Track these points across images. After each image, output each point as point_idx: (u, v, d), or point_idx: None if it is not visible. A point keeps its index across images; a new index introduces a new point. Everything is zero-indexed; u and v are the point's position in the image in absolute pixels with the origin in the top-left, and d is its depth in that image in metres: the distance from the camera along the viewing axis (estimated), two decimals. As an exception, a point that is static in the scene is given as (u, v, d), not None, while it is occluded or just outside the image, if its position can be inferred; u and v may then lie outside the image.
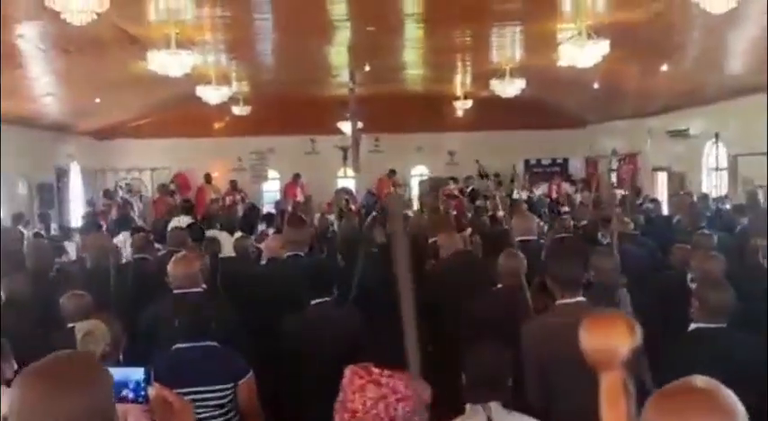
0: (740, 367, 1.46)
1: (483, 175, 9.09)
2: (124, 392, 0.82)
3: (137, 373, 0.83)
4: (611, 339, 0.89)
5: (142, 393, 0.82)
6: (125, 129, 8.96)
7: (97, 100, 6.71)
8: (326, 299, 2.08)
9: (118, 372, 0.80)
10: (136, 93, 6.64)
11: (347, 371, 1.64)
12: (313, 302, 2.07)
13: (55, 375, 0.61)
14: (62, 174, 8.08)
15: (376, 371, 1.59)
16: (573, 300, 1.58)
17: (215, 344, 1.72)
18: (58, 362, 0.65)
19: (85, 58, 4.98)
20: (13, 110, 5.77)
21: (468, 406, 1.50)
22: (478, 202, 6.28)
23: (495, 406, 1.42)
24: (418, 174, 10.05)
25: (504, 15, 4.30)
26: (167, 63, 4.37)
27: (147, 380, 0.83)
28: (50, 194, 7.61)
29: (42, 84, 5.64)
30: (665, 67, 5.71)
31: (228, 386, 1.68)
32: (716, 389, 0.59)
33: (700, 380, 0.61)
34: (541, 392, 1.55)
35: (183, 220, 4.61)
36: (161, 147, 9.20)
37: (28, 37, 4.09)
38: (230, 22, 4.48)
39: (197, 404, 1.44)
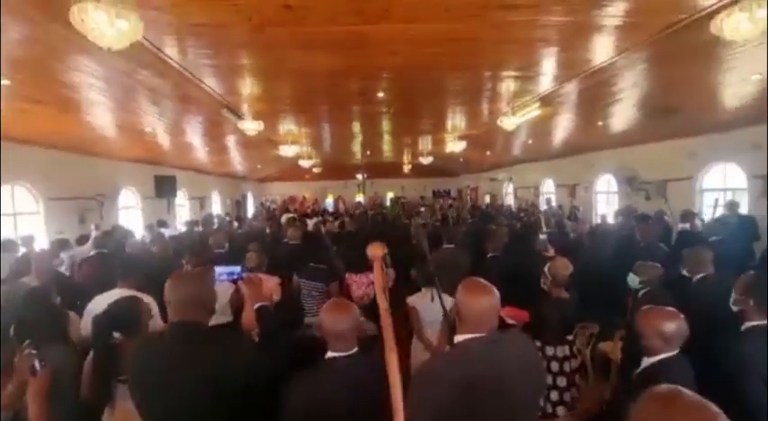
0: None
1: (422, 198, 18.05)
2: (230, 276, 2.00)
3: (237, 268, 2.05)
4: None
5: (242, 276, 1.95)
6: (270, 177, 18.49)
7: (259, 166, 14.95)
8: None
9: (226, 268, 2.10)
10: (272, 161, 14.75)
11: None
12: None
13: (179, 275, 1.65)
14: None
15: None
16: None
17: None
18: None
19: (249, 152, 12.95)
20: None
21: (423, 289, 2.87)
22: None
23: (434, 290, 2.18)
24: (390, 195, 19.21)
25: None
26: (286, 150, 10.26)
27: (242, 272, 1.95)
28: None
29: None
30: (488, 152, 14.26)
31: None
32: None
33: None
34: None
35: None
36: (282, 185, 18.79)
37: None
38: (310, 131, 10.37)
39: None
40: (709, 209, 6.77)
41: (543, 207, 11.63)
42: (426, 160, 13.79)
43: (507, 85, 5.42)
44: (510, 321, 2.89)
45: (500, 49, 3.98)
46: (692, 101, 5.95)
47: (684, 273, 3.19)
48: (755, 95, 5.55)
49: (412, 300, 3.12)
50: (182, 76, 4.29)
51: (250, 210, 18.18)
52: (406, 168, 17.04)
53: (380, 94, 5.64)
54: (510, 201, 15.21)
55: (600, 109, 6.67)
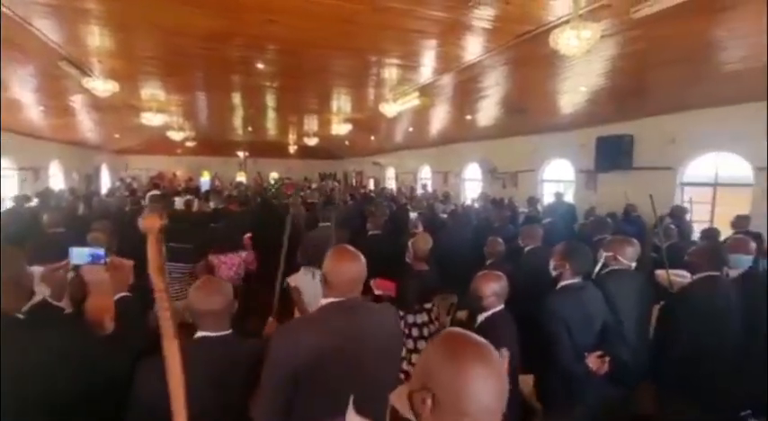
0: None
1: (306, 179, 17.70)
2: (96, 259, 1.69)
3: (100, 250, 1.74)
4: None
5: (104, 260, 1.71)
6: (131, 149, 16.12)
7: (117, 135, 12.62)
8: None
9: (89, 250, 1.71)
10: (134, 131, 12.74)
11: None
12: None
13: None
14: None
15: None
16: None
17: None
18: None
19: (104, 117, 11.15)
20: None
21: (303, 268, 2.94)
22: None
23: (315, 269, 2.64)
24: (274, 176, 18.38)
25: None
26: (151, 119, 8.52)
27: (106, 254, 1.68)
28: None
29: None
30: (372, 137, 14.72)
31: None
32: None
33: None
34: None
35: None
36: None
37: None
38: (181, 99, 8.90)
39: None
40: (550, 196, 8.16)
41: (420, 191, 12.54)
42: (312, 141, 13.60)
43: (389, 72, 5.65)
44: (378, 292, 3.11)
45: (381, 35, 4.12)
46: (537, 103, 7.01)
47: (521, 245, 3.83)
48: (582, 104, 6.79)
49: (293, 279, 3.11)
50: (3, 14, 3.47)
51: (106, 185, 15.61)
52: (292, 149, 16.54)
53: (260, 66, 5.36)
54: (392, 185, 15.96)
55: (469, 103, 7.41)
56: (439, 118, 9.21)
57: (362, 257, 1.59)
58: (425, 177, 14.83)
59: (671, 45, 4.00)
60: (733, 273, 2.85)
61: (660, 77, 5.20)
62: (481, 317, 2.24)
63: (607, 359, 2.31)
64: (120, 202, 7.03)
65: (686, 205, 6.27)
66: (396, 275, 3.40)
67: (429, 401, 0.81)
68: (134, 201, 7.35)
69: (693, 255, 2.78)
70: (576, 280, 2.46)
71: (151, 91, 7.20)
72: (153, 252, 1.20)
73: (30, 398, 1.34)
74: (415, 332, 3.12)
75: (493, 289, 2.22)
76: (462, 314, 4.29)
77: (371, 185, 16.71)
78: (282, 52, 4.84)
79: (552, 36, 3.25)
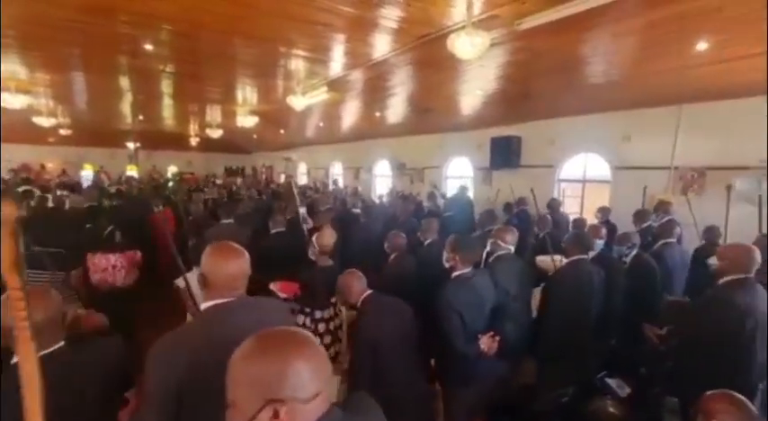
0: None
1: (208, 175, 16.50)
2: None
3: None
4: None
5: None
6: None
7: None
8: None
9: None
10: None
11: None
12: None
13: None
14: None
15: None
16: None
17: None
18: None
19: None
20: None
21: (195, 268, 2.39)
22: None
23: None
24: (172, 170, 16.82)
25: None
26: (10, 100, 7.08)
27: None
28: None
29: None
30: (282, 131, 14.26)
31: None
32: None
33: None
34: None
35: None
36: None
37: None
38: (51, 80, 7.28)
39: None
40: (453, 191, 8.73)
41: (331, 187, 12.50)
42: (215, 133, 12.70)
43: (297, 64, 5.52)
44: (283, 295, 3.05)
45: (285, 25, 4.01)
46: (441, 103, 7.44)
47: (421, 238, 4.06)
48: (479, 106, 7.37)
49: (181, 281, 2.86)
50: None
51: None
52: (194, 141, 15.18)
53: (149, 47, 4.85)
54: (304, 180, 15.67)
55: (377, 101, 7.57)
56: (350, 114, 9.26)
57: (244, 254, 1.47)
58: (337, 173, 14.81)
59: (548, 57, 4.54)
60: (591, 254, 3.37)
61: (541, 85, 5.87)
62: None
63: (497, 339, 2.55)
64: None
65: (562, 199, 7.21)
66: (300, 272, 3.36)
67: (283, 409, 0.78)
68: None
69: (566, 242, 3.22)
70: (467, 269, 2.66)
71: (9, 67, 6.08)
72: (5, 245, 1.06)
73: None
74: (321, 327, 3.12)
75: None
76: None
77: (282, 179, 16.23)
78: (175, 33, 4.43)
79: (449, 40, 3.48)
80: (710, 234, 4.38)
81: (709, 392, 1.67)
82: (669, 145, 6.22)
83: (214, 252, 1.44)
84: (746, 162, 5.38)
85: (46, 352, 1.38)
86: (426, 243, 3.96)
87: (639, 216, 4.84)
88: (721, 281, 2.50)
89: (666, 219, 4.63)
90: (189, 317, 2.91)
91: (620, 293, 3.34)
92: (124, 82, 7.41)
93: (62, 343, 1.45)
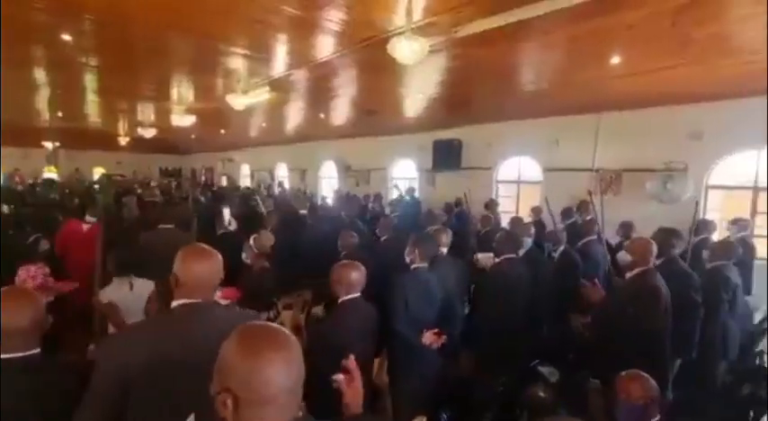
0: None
1: (145, 177, 15.45)
2: None
3: None
4: None
5: None
6: None
7: None
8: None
9: None
10: None
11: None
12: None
13: None
14: None
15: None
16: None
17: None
18: None
19: None
20: None
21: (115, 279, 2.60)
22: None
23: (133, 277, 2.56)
24: (99, 171, 15.51)
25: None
26: None
27: None
28: None
29: None
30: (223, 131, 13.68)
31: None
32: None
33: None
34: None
35: None
36: None
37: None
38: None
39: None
40: (396, 192, 8.91)
41: (277, 189, 12.22)
42: (149, 133, 11.93)
43: (236, 62, 5.35)
44: (225, 302, 2.94)
45: (224, 21, 3.88)
46: (385, 106, 7.56)
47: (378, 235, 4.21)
48: (422, 110, 7.59)
49: (105, 294, 2.61)
50: None
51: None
52: (123, 140, 14.04)
53: (67, 37, 4.46)
54: (247, 182, 15.16)
55: (322, 102, 7.53)
56: (294, 115, 9.10)
57: (218, 257, 1.50)
58: (283, 175, 14.49)
59: (485, 64, 4.79)
60: (520, 253, 3.62)
61: (479, 91, 6.18)
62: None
63: (443, 336, 2.71)
64: None
65: (498, 199, 7.63)
66: (237, 277, 3.26)
67: (229, 402, 0.79)
68: None
69: (497, 242, 3.42)
70: (424, 264, 2.88)
71: None
72: None
73: None
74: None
75: (349, 278, 2.33)
76: (318, 309, 4.38)
77: (224, 182, 15.56)
78: (97, 24, 4.11)
79: (390, 45, 3.56)
80: (626, 229, 4.87)
81: (622, 373, 1.91)
82: (591, 149, 6.81)
83: (187, 253, 1.48)
84: (655, 165, 6.04)
85: (24, 354, 1.36)
86: (383, 239, 4.31)
87: (565, 213, 5.27)
88: (633, 272, 2.79)
89: (588, 217, 5.07)
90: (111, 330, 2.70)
91: (548, 287, 3.61)
92: (39, 75, 6.72)
93: (37, 349, 1.41)
